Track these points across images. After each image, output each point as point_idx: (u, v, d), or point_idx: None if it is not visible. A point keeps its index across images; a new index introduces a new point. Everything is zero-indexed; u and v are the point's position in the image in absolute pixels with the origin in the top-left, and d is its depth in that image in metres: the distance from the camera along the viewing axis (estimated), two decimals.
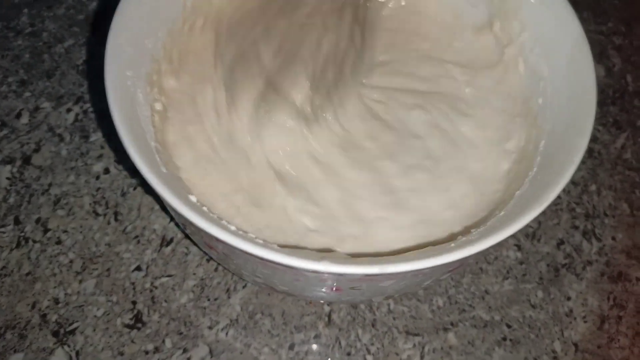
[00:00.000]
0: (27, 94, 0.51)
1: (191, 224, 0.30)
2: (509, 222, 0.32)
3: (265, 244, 0.29)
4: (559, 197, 0.49)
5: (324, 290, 0.35)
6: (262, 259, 0.29)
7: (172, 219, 0.45)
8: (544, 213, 0.48)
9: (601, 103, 0.56)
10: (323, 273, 0.30)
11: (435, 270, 0.34)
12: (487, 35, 0.46)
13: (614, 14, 0.62)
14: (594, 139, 0.54)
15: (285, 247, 0.30)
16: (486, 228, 0.33)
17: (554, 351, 0.43)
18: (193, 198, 0.32)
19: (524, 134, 0.41)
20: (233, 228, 0.30)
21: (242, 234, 0.30)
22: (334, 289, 0.34)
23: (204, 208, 0.32)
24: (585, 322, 0.45)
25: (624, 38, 0.61)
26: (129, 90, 0.36)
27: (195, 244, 0.43)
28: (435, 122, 0.42)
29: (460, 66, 0.46)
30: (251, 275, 0.36)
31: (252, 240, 0.29)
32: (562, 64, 0.39)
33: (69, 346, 0.40)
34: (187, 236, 0.44)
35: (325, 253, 0.34)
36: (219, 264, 0.43)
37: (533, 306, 0.45)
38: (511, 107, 0.43)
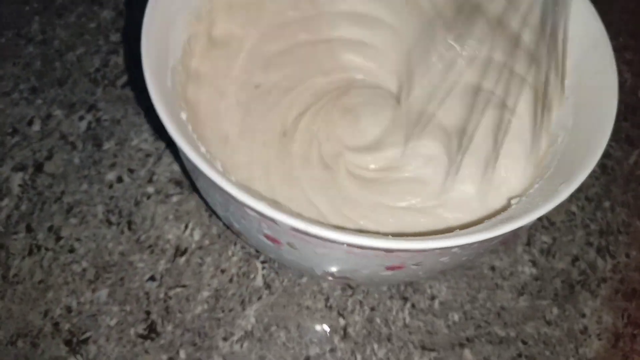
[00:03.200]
0: (39, 101, 0.51)
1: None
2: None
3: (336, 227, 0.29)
4: (573, 213, 0.50)
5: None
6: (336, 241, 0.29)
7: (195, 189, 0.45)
8: (558, 229, 0.49)
9: None
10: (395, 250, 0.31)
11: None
12: None
13: (624, 29, 0.63)
14: (607, 155, 0.54)
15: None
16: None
17: None
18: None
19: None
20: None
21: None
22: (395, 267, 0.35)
23: None
24: (599, 339, 0.45)
25: (634, 53, 0.62)
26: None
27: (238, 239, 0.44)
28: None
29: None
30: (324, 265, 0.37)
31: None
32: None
33: (81, 355, 0.40)
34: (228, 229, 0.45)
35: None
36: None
37: (548, 323, 0.45)
38: None
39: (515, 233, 0.34)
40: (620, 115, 0.56)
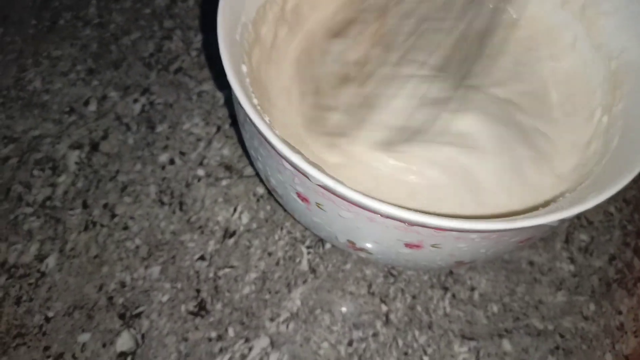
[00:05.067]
0: (95, 82, 0.51)
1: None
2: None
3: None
4: (611, 214, 0.49)
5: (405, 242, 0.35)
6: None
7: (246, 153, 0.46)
8: (596, 228, 0.48)
9: None
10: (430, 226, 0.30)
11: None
12: None
13: None
14: None
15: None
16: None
17: None
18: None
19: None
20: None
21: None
22: (415, 244, 0.35)
23: None
24: (636, 336, 0.44)
25: None
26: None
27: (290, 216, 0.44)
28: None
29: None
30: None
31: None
32: None
33: (135, 329, 0.40)
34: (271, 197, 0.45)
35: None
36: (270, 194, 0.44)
37: (585, 318, 0.44)
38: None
39: (543, 231, 0.34)
40: None
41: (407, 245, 0.35)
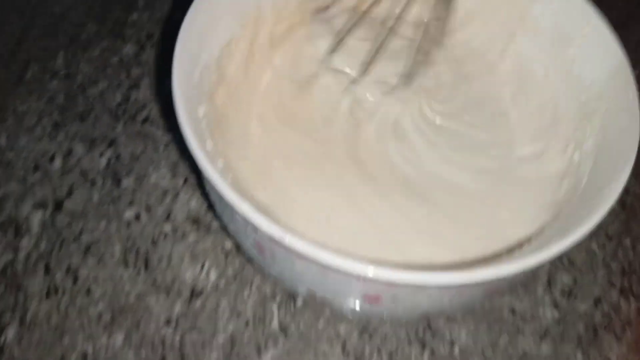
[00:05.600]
0: (61, 136, 0.50)
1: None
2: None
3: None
4: (593, 251, 0.47)
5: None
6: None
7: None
8: (579, 269, 0.46)
9: None
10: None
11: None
12: None
13: None
14: (626, 191, 0.51)
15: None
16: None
17: None
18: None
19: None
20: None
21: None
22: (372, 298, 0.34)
23: None
24: None
25: None
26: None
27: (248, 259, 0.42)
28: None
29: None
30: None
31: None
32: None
33: None
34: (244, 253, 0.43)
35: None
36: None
37: None
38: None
39: (508, 281, 0.32)
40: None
41: (366, 297, 0.33)
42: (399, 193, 0.41)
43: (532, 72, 0.47)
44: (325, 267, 0.29)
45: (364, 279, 0.30)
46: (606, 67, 0.40)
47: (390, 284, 0.30)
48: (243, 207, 0.29)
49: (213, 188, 0.31)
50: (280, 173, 0.42)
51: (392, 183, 0.42)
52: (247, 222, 0.30)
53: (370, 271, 0.28)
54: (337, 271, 0.29)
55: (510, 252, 0.38)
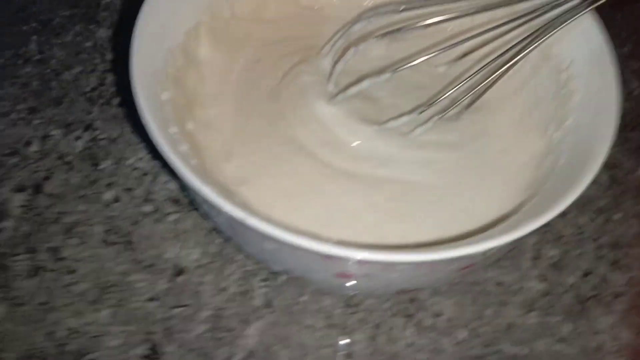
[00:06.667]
0: (37, 121, 0.54)
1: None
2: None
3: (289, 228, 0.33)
4: (582, 226, 0.52)
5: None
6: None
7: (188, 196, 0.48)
8: (567, 242, 0.51)
9: (621, 128, 0.58)
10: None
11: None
12: None
13: (631, 38, 0.65)
14: (616, 165, 0.56)
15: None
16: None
17: None
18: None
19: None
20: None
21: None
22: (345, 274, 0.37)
23: None
24: (615, 357, 0.47)
25: None
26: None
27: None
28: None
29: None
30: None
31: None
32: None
33: None
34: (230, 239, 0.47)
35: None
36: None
37: (560, 340, 0.47)
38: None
39: (485, 257, 0.37)
40: (629, 125, 0.59)
41: (338, 275, 0.37)
42: (372, 175, 0.46)
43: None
44: (292, 248, 0.33)
45: (329, 258, 0.34)
46: (586, 47, 0.45)
47: (358, 263, 0.35)
48: (204, 190, 0.33)
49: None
50: (250, 155, 0.46)
51: (365, 166, 0.46)
52: (211, 205, 0.34)
53: (329, 249, 0.32)
54: (303, 251, 0.33)
55: (484, 230, 0.42)
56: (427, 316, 0.47)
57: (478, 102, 0.47)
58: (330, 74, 0.49)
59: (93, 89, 0.57)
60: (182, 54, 0.46)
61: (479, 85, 0.45)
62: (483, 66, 0.45)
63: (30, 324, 0.44)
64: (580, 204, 0.49)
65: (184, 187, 0.39)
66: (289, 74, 0.50)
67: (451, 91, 0.45)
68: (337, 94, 0.48)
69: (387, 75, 0.47)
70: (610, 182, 0.55)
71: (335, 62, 0.49)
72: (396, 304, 0.47)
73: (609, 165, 0.55)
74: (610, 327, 0.48)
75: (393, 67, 0.47)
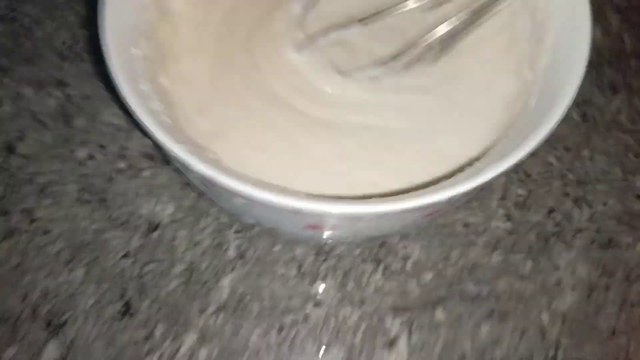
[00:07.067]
0: (7, 80, 0.52)
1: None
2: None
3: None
4: (550, 164, 0.50)
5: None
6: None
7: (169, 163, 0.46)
8: (535, 181, 0.49)
9: (597, 64, 0.56)
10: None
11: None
12: None
13: None
14: (588, 102, 0.54)
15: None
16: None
17: (541, 322, 0.44)
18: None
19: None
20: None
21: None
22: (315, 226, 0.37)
23: None
24: (573, 291, 0.46)
25: None
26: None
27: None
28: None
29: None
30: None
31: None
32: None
33: (61, 338, 0.42)
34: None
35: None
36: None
37: (521, 277, 0.46)
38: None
39: (450, 204, 0.35)
40: (604, 60, 0.56)
41: (308, 227, 0.36)
42: (346, 122, 0.44)
43: None
44: (262, 203, 0.32)
45: (298, 212, 0.32)
46: None
47: (325, 216, 0.33)
48: (172, 147, 0.32)
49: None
50: (224, 109, 0.44)
51: (340, 113, 0.44)
52: (181, 163, 0.33)
53: (296, 203, 0.31)
54: (272, 206, 0.32)
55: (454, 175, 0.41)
56: (396, 260, 0.46)
57: (455, 46, 0.45)
58: (302, 20, 0.46)
59: (66, 45, 0.54)
60: (155, 6, 0.43)
61: (455, 30, 0.43)
62: (461, 11, 0.43)
63: (5, 287, 0.44)
64: (550, 142, 0.49)
65: (156, 143, 0.38)
66: (261, 23, 0.47)
67: (427, 35, 0.44)
68: (308, 43, 0.45)
69: (355, 30, 0.45)
70: (581, 118, 0.53)
71: (307, 7, 0.47)
72: (366, 249, 0.46)
73: (581, 102, 0.54)
74: (570, 262, 0.47)
75: (364, 15, 0.45)
